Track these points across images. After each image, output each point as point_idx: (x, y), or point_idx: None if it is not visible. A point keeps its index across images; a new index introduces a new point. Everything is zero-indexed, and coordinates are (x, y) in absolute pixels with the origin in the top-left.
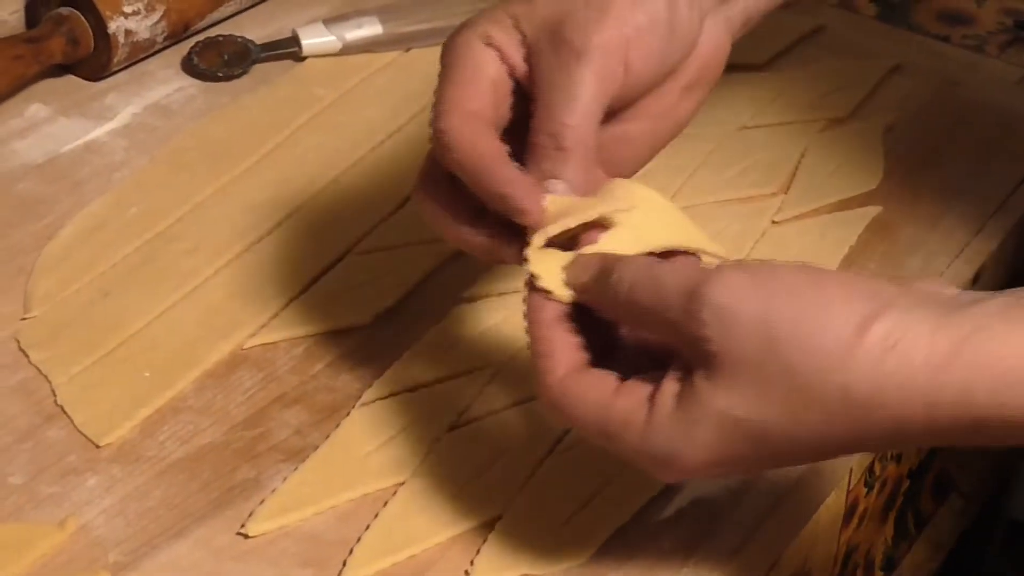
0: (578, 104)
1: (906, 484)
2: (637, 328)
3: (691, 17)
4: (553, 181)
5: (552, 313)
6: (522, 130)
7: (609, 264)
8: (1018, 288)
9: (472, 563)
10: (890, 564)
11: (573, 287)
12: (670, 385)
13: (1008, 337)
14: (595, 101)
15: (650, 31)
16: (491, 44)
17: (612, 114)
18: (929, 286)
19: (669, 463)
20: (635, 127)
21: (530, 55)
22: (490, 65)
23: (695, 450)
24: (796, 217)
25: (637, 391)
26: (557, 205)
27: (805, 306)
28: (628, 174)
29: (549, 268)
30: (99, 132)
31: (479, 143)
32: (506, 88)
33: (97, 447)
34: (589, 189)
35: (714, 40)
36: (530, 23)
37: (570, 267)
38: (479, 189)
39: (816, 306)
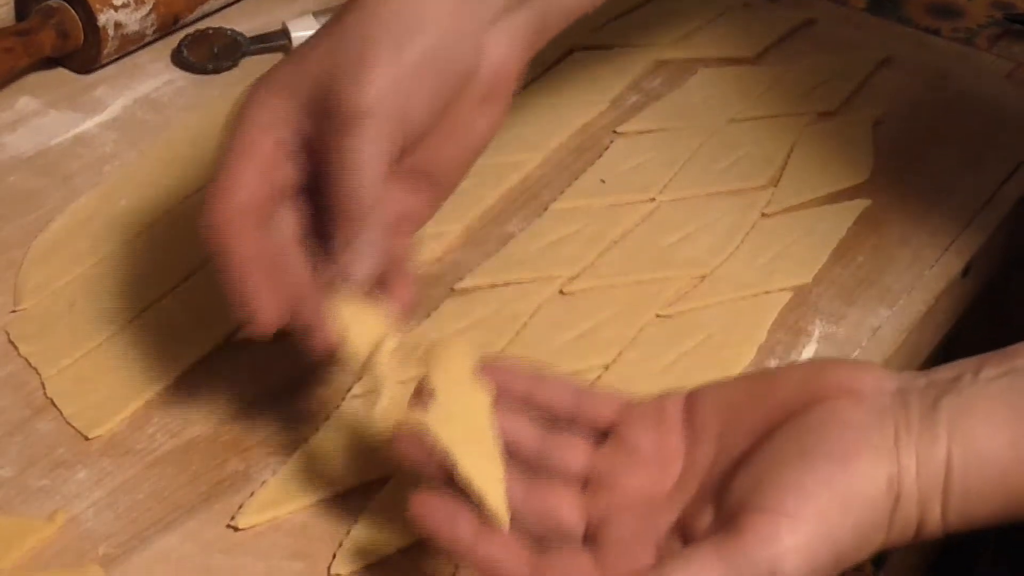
0: (361, 172)
1: None
2: None
3: (466, 39)
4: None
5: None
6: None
7: None
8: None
9: None
10: (880, 559)
11: None
12: None
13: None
14: (380, 162)
15: (419, 71)
16: (267, 117)
17: (407, 146)
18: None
19: None
20: (438, 150)
21: (309, 117)
22: (265, 142)
23: None
24: (786, 210)
25: None
26: (350, 310)
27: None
28: (446, 191)
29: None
30: (89, 125)
31: (236, 246)
32: (289, 155)
33: (87, 440)
34: (387, 246)
35: (501, 54)
36: (304, 85)
37: None
38: (227, 289)
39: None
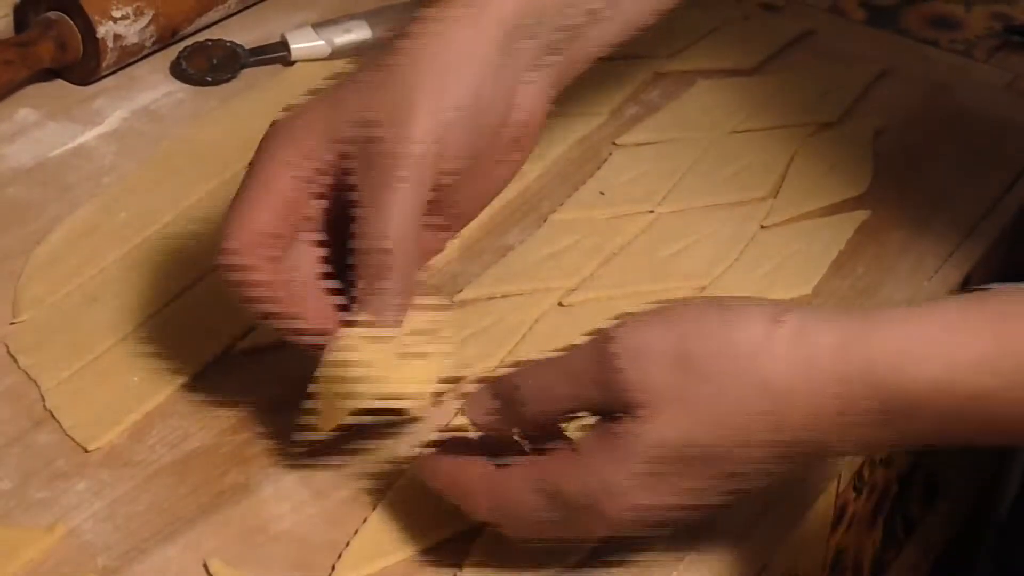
0: (398, 215)
1: (895, 489)
2: (549, 424)
3: (502, 89)
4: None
5: (446, 466)
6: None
7: (503, 385)
8: None
9: (461, 567)
10: (879, 568)
11: (474, 422)
12: (595, 429)
13: (904, 320)
14: (414, 209)
15: (458, 124)
16: (293, 152)
17: (436, 194)
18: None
19: (604, 496)
20: (458, 193)
21: (341, 158)
22: (286, 177)
23: (626, 478)
24: (785, 221)
25: (560, 447)
26: (365, 339)
27: (713, 321)
28: (458, 229)
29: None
30: (88, 137)
31: (249, 275)
32: (312, 193)
33: (86, 452)
34: (411, 289)
35: (529, 106)
36: (339, 126)
37: (464, 407)
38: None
39: (723, 318)
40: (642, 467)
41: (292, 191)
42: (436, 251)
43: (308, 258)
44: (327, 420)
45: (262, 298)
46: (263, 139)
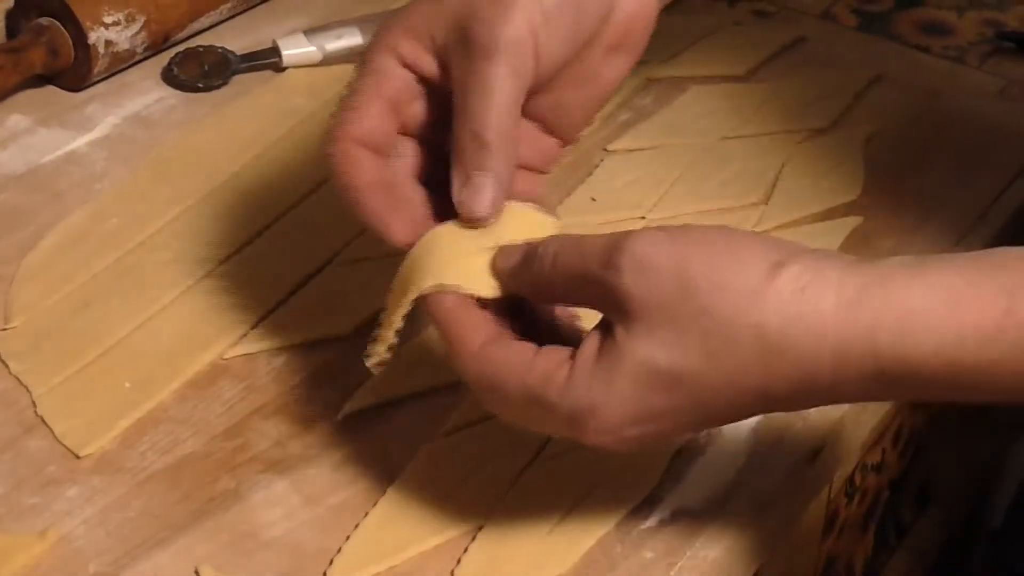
0: (494, 103)
1: (886, 495)
2: (560, 299)
3: None
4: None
5: (452, 300)
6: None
7: (534, 244)
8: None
9: (453, 573)
10: (872, 574)
11: (501, 273)
12: (591, 342)
13: (909, 286)
14: (511, 97)
15: (557, 13)
16: (397, 56)
17: (536, 89)
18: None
19: (589, 416)
20: (564, 95)
21: (442, 57)
22: (391, 80)
23: (614, 402)
24: (777, 227)
25: (557, 352)
26: (452, 234)
27: (719, 252)
28: (569, 138)
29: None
30: (79, 143)
31: (354, 173)
32: (414, 96)
33: (77, 458)
34: (510, 184)
35: (634, 3)
36: (439, 24)
37: (498, 255)
38: (354, 216)
39: (729, 252)
40: (631, 393)
41: (397, 92)
42: (549, 163)
43: (409, 162)
44: (394, 310)
45: (360, 197)
46: (372, 41)
